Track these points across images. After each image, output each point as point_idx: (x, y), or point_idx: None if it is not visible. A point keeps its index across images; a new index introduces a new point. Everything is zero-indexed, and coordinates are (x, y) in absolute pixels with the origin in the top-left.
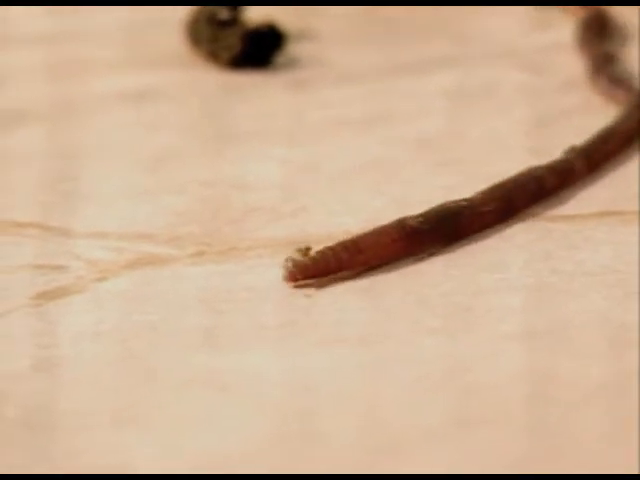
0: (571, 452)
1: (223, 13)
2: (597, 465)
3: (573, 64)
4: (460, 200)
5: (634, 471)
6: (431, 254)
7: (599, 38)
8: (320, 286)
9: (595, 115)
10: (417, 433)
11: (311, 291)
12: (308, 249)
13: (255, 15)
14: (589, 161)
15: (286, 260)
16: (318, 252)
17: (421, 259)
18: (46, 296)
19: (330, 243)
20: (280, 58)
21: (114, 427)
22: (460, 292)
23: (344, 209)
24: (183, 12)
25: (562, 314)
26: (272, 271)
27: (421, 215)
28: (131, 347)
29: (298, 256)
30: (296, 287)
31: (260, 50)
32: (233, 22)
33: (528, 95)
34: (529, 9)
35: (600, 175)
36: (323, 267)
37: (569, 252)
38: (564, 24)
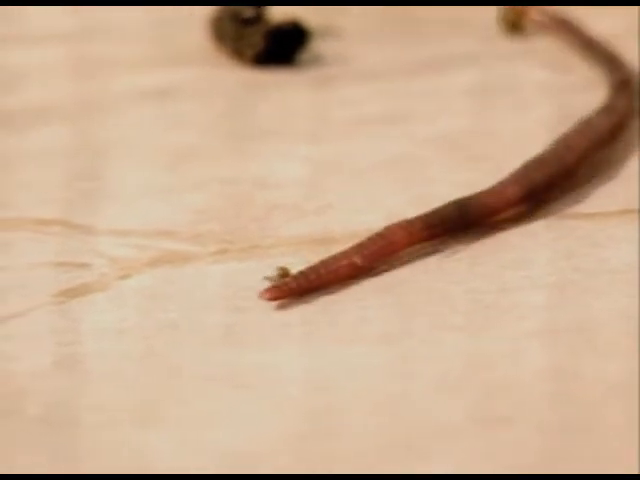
0: (593, 450)
1: (247, 11)
2: (619, 463)
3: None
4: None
5: None
6: (455, 252)
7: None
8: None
9: None
10: (439, 431)
11: (335, 286)
12: (285, 271)
13: (279, 13)
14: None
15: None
16: (298, 272)
17: (445, 256)
18: (69, 293)
19: (353, 240)
20: (304, 56)
21: (135, 424)
22: (483, 289)
23: (367, 207)
24: (207, 10)
25: (585, 312)
26: (294, 269)
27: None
28: (153, 345)
29: (277, 277)
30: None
31: (284, 48)
32: (257, 20)
33: (550, 93)
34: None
35: (619, 173)
36: (304, 285)
37: (592, 250)
38: (589, 22)
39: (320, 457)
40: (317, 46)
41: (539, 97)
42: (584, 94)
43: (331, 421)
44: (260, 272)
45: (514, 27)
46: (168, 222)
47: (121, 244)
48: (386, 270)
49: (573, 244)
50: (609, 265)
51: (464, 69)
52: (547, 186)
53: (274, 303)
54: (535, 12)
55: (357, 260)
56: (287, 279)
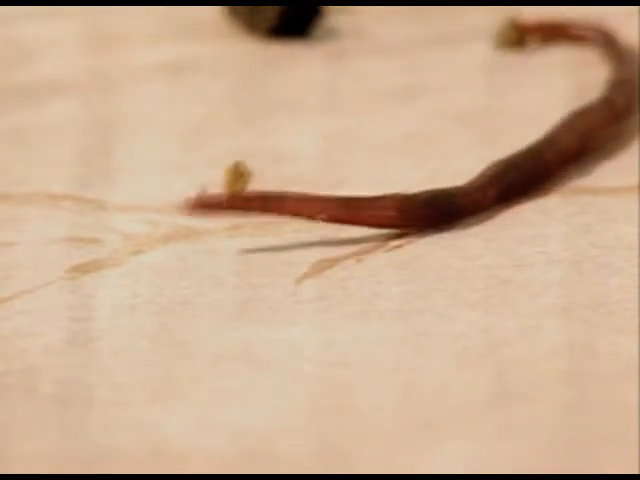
0: (609, 427)
1: None
2: (635, 441)
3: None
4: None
5: None
6: (470, 227)
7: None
8: (359, 261)
9: None
10: (454, 408)
11: (350, 262)
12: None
13: None
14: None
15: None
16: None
17: (460, 232)
18: (81, 269)
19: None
20: (318, 29)
21: (148, 401)
22: (499, 265)
23: (382, 181)
24: None
25: (601, 288)
26: (309, 244)
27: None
28: (166, 321)
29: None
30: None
31: (298, 21)
32: None
33: (565, 66)
34: None
35: (636, 147)
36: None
37: (608, 225)
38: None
39: (335, 434)
40: (332, 20)
41: (554, 71)
42: (599, 68)
43: (346, 398)
44: (274, 248)
45: (515, 43)
46: (181, 197)
47: (134, 220)
48: (401, 246)
49: (589, 219)
50: (625, 240)
51: (480, 43)
52: (522, 187)
53: (293, 277)
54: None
55: (321, 215)
56: (218, 194)
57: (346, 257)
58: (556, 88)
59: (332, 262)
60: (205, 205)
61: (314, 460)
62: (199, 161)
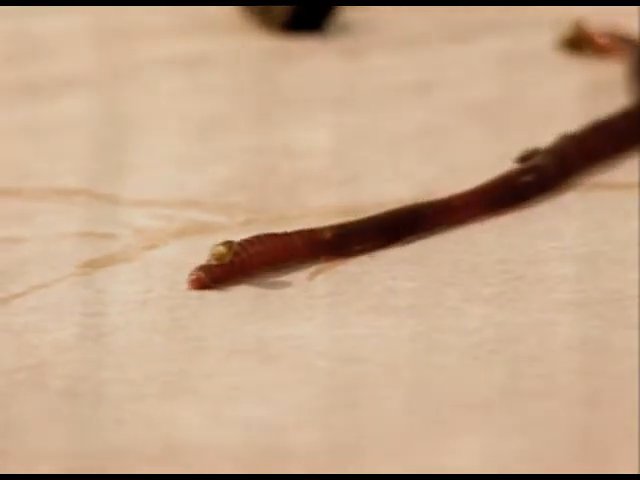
0: (624, 423)
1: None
2: None
3: (626, 29)
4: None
5: None
6: (484, 222)
7: None
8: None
9: None
10: (467, 404)
11: (363, 257)
12: (230, 244)
13: None
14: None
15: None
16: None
17: (474, 227)
18: (94, 264)
19: (381, 211)
20: (332, 25)
21: (161, 397)
22: (513, 260)
23: (396, 177)
24: None
25: (615, 284)
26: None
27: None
28: (179, 316)
29: (219, 251)
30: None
31: (312, 17)
32: None
33: (580, 60)
34: None
35: None
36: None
37: (623, 221)
38: None
39: (347, 429)
40: (345, 15)
41: (569, 64)
42: (615, 61)
43: (358, 393)
44: None
45: (575, 47)
46: (194, 192)
47: (147, 214)
48: (414, 241)
49: (604, 215)
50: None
51: (494, 37)
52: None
53: (307, 272)
54: (599, 35)
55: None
56: (211, 265)
57: (359, 252)
58: (572, 80)
59: (345, 257)
60: (216, 279)
61: (327, 455)
62: (212, 156)
